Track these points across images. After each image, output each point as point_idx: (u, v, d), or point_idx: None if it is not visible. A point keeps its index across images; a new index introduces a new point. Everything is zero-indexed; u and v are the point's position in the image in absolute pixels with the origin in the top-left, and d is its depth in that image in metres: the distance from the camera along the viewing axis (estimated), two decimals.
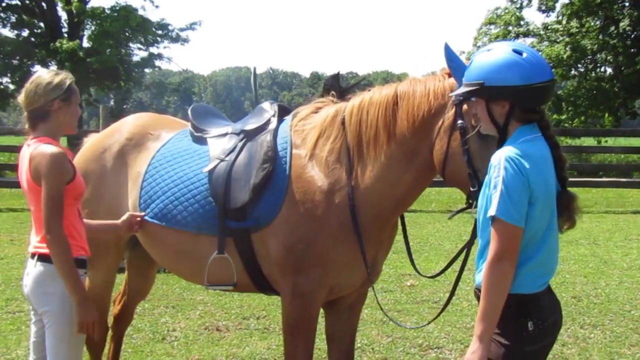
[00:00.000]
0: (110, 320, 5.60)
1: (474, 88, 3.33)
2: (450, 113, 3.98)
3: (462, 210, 4.19)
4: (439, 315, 4.55)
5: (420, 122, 4.09)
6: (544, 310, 3.26)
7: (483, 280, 3.18)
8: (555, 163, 3.27)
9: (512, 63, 3.24)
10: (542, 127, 3.30)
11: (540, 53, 3.44)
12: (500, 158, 3.16)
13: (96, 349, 5.37)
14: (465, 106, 3.89)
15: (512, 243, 3.14)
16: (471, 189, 3.87)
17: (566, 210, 3.27)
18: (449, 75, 4.07)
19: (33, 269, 4.07)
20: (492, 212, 3.14)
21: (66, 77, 4.14)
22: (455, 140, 3.94)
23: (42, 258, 4.04)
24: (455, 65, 3.93)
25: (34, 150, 4.00)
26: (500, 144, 3.29)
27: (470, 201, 3.98)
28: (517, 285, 3.19)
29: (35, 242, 4.10)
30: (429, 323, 4.82)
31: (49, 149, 3.97)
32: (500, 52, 3.30)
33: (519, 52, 3.26)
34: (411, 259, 4.58)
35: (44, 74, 4.13)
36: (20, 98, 4.15)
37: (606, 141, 31.55)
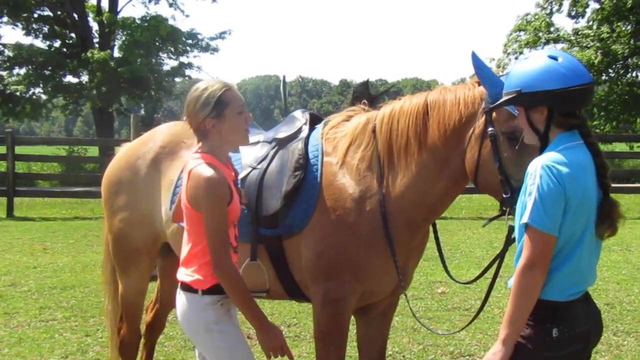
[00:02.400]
0: (142, 328, 5.64)
1: (512, 96, 3.34)
2: (480, 121, 3.99)
3: (496, 218, 4.20)
4: (471, 322, 4.55)
5: (451, 131, 4.10)
6: (574, 319, 3.23)
7: (513, 286, 3.19)
8: (597, 170, 3.24)
9: (547, 68, 3.24)
10: (583, 134, 3.28)
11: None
12: (537, 166, 3.16)
13: (129, 356, 5.42)
14: (494, 114, 3.91)
15: (544, 251, 3.14)
16: (504, 196, 3.87)
17: (607, 218, 3.24)
18: (479, 84, 4.08)
19: (178, 298, 3.83)
20: (525, 219, 3.15)
21: (216, 90, 3.70)
22: (486, 147, 3.94)
23: (183, 287, 3.78)
24: (483, 73, 3.94)
25: (195, 169, 3.65)
26: (542, 151, 3.29)
27: (504, 208, 3.99)
28: (546, 292, 3.19)
29: (182, 267, 3.84)
30: (461, 330, 4.82)
31: (207, 172, 3.59)
32: (535, 59, 3.32)
33: (555, 58, 3.26)
34: (444, 265, 4.58)
35: (194, 89, 3.76)
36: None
37: (639, 146, 31.29)
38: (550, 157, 3.17)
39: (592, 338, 3.35)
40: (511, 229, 4.01)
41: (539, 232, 3.12)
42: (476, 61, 3.97)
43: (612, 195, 3.32)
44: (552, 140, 3.28)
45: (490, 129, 3.91)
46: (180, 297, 3.79)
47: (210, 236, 3.59)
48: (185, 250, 3.81)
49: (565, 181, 3.11)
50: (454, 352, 6.90)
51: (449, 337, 7.26)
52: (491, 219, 4.28)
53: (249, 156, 4.65)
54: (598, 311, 3.43)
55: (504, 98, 3.41)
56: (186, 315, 3.76)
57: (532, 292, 3.16)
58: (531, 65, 3.31)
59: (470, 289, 9.24)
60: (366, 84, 21.84)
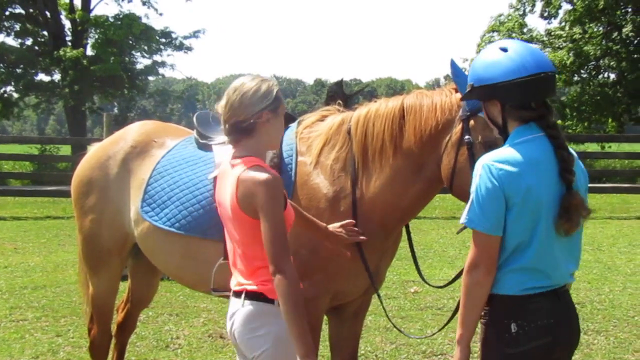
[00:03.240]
0: (113, 328, 5.60)
1: (467, 91, 3.37)
2: (457, 128, 4.01)
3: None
4: (445, 325, 4.55)
5: (427, 137, 4.11)
6: (534, 312, 3.19)
7: (461, 287, 3.23)
8: (558, 164, 3.18)
9: (494, 60, 3.25)
10: (543, 126, 3.23)
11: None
12: (479, 165, 3.19)
13: (99, 357, 5.39)
14: (472, 122, 3.93)
15: (485, 251, 3.16)
16: None
17: (565, 213, 3.16)
18: (456, 90, 4.10)
19: (241, 309, 3.53)
20: (462, 219, 3.20)
21: (273, 84, 3.59)
22: (462, 155, 3.97)
23: (251, 296, 3.51)
24: (461, 81, 3.95)
25: (244, 174, 3.43)
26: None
27: None
28: (500, 287, 3.20)
29: (240, 278, 3.58)
30: (434, 334, 4.78)
31: (263, 175, 3.40)
32: (487, 51, 3.34)
33: (505, 49, 3.25)
34: (417, 268, 4.59)
35: (247, 81, 3.58)
36: (221, 108, 3.59)
37: (610, 147, 31.61)
38: (492, 156, 3.18)
39: (561, 333, 3.25)
40: None
41: (478, 233, 3.16)
42: (454, 69, 4.00)
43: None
44: (510, 134, 3.28)
45: (467, 137, 3.94)
46: (246, 308, 3.50)
47: (272, 241, 3.36)
48: (243, 261, 3.56)
49: (503, 180, 3.10)
50: (427, 352, 6.91)
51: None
52: (463, 228, 4.30)
53: (223, 155, 4.62)
54: (572, 310, 3.36)
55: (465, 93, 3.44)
56: (253, 324, 3.49)
57: (477, 290, 3.19)
58: (482, 58, 3.32)
59: (444, 288, 9.24)
60: (340, 84, 21.92)
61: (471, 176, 3.89)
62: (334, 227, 4.13)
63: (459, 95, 4.05)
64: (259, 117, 3.49)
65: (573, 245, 3.31)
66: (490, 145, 3.79)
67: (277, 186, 3.42)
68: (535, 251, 3.17)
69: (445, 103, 4.10)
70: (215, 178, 4.44)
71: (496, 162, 3.14)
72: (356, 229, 4.16)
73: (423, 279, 4.59)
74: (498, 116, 3.30)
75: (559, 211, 3.16)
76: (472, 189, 3.18)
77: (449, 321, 4.48)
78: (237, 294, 3.57)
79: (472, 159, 3.89)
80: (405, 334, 4.97)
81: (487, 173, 3.13)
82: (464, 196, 4.07)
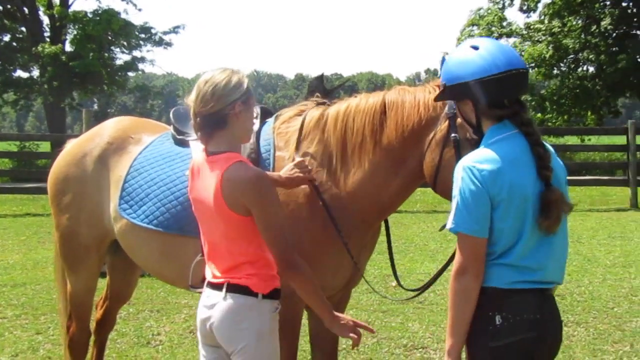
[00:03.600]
0: (92, 325, 5.57)
1: (440, 91, 3.36)
2: (443, 126, 3.98)
3: None
4: (423, 290, 4.51)
5: (409, 133, 4.09)
6: (519, 305, 3.14)
7: (449, 294, 3.16)
8: (535, 161, 3.15)
9: (463, 59, 3.23)
10: (517, 123, 3.20)
11: (516, 49, 3.40)
12: (459, 168, 3.15)
13: (79, 354, 5.35)
14: (459, 119, 3.91)
15: (474, 254, 3.11)
16: None
17: (545, 209, 3.12)
18: (439, 87, 4.07)
19: (222, 301, 3.48)
20: (449, 224, 3.14)
21: (243, 76, 3.55)
22: (447, 153, 3.95)
23: (235, 289, 3.47)
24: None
25: (228, 172, 3.39)
26: (479, 145, 3.26)
27: None
28: (486, 279, 3.14)
29: (221, 271, 3.54)
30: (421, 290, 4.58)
31: (250, 173, 3.40)
32: (458, 50, 3.33)
33: (476, 47, 3.23)
34: (393, 268, 4.59)
35: (218, 73, 3.53)
36: (191, 101, 3.56)
37: (589, 139, 31.81)
38: (472, 157, 3.15)
39: (546, 331, 3.20)
40: None
41: (466, 236, 3.11)
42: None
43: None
44: (485, 134, 3.25)
45: (453, 135, 3.91)
46: (229, 301, 3.46)
47: (273, 238, 3.37)
48: (226, 255, 3.52)
49: (486, 180, 3.07)
50: (408, 345, 6.94)
51: (403, 330, 7.31)
52: (445, 226, 4.31)
53: (200, 151, 4.60)
54: (557, 312, 3.32)
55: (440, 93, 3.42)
56: (236, 317, 3.46)
57: (467, 297, 3.13)
58: (453, 57, 3.31)
59: (424, 281, 9.23)
60: (321, 78, 21.87)
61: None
62: (287, 170, 4.12)
63: None
64: (232, 108, 3.45)
65: (558, 241, 3.23)
66: (479, 143, 3.80)
67: (265, 181, 3.42)
68: (522, 248, 3.13)
69: (429, 100, 4.07)
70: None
71: (477, 162, 3.11)
72: (306, 164, 4.15)
73: (398, 283, 4.59)
74: (472, 115, 3.28)
75: (540, 208, 3.12)
76: (455, 193, 3.14)
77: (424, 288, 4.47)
78: (216, 286, 3.52)
79: (459, 157, 3.84)
80: (399, 284, 4.87)
81: (470, 175, 3.09)
82: (447, 194, 4.06)
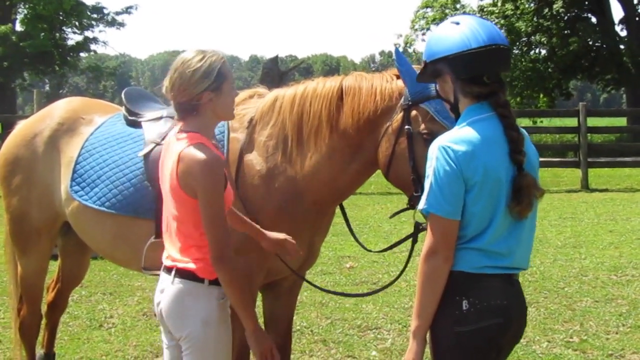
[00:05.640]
0: (44, 308, 5.51)
1: (421, 68, 3.29)
2: (398, 117, 3.97)
3: (402, 211, 4.24)
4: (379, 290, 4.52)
5: (365, 120, 4.07)
6: (487, 290, 3.08)
7: (417, 276, 3.09)
8: (508, 144, 3.08)
9: (444, 34, 3.17)
10: (494, 104, 3.12)
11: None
12: (434, 147, 3.07)
13: (30, 337, 5.29)
14: (414, 111, 3.90)
15: (445, 236, 3.05)
16: (414, 194, 3.89)
17: (517, 194, 3.05)
18: (397, 77, 4.06)
19: (170, 286, 3.43)
20: (422, 205, 3.06)
21: (215, 60, 3.38)
22: (401, 144, 3.94)
23: (182, 274, 3.40)
24: (405, 70, 3.92)
25: (185, 151, 3.32)
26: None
27: (412, 204, 4.00)
28: (456, 263, 3.07)
29: (173, 253, 3.46)
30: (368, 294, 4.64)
31: (203, 153, 3.29)
32: (439, 27, 3.27)
33: (457, 22, 3.17)
34: (355, 237, 4.57)
35: (189, 58, 3.38)
36: (166, 88, 3.45)
37: (541, 121, 32.17)
38: (447, 137, 3.08)
39: (512, 317, 3.16)
40: (418, 225, 4.02)
41: (438, 217, 3.03)
42: (398, 57, 3.94)
43: None
44: (462, 113, 3.18)
45: (407, 127, 3.91)
46: (176, 286, 3.40)
47: (210, 225, 3.29)
48: (178, 237, 3.45)
49: (461, 161, 3.00)
50: (362, 326, 6.98)
51: (357, 311, 7.35)
52: (397, 212, 4.32)
53: (152, 132, 4.56)
54: (523, 298, 3.28)
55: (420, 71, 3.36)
56: (183, 303, 3.39)
57: (436, 279, 3.06)
58: (434, 34, 3.25)
59: (378, 262, 9.36)
60: (276, 60, 21.86)
61: (408, 165, 3.89)
62: (276, 236, 4.00)
63: (400, 82, 4.02)
64: (199, 99, 3.36)
65: (527, 226, 3.19)
66: (432, 138, 3.77)
67: (217, 168, 3.31)
68: (493, 233, 3.07)
69: (386, 89, 4.06)
70: (148, 154, 4.39)
71: (452, 142, 3.03)
72: (294, 247, 4.02)
73: (360, 244, 4.55)
74: (450, 92, 3.21)
75: (511, 193, 3.06)
76: (429, 172, 3.05)
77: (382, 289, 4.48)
78: (168, 270, 3.47)
79: (412, 150, 3.87)
80: (325, 291, 4.87)
81: (444, 155, 3.01)
82: (399, 184, 4.07)
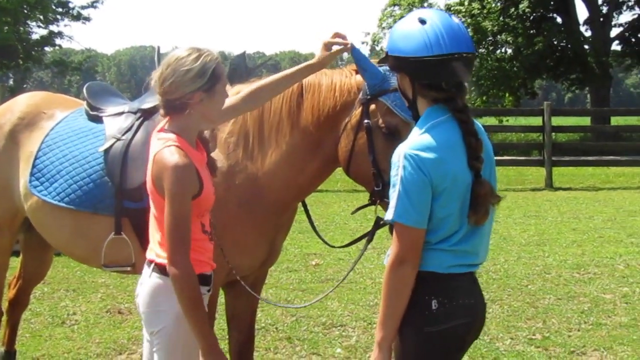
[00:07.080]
0: (5, 305, 5.44)
1: (383, 57, 3.22)
2: (357, 111, 3.96)
3: (364, 207, 4.23)
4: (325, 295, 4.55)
5: (325, 117, 4.06)
6: (455, 290, 3.06)
7: (383, 285, 3.03)
8: (466, 151, 3.01)
9: (408, 32, 3.05)
10: (452, 109, 3.03)
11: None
12: (400, 155, 2.98)
13: None
14: (373, 106, 3.88)
15: (413, 245, 2.98)
16: (375, 188, 3.89)
17: (474, 203, 3.00)
18: (356, 72, 4.04)
19: (147, 279, 3.39)
20: (389, 215, 2.98)
21: (210, 60, 3.30)
22: (361, 139, 3.93)
23: (160, 269, 3.32)
24: (362, 65, 3.89)
25: (159, 153, 3.26)
26: (415, 120, 3.14)
27: (373, 199, 4.00)
28: (423, 264, 3.02)
29: (155, 247, 3.40)
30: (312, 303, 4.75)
31: (173, 157, 3.20)
32: (405, 21, 3.13)
33: (423, 21, 3.03)
34: (317, 233, 4.56)
35: (184, 56, 3.31)
36: (154, 82, 3.38)
37: (507, 120, 32.43)
38: (412, 144, 2.99)
39: (478, 315, 3.18)
40: (378, 220, 4.02)
41: (406, 227, 2.96)
42: (356, 54, 3.91)
43: None
44: (422, 113, 3.11)
45: (366, 121, 3.89)
46: (152, 280, 3.36)
47: (169, 230, 3.19)
48: (157, 232, 3.39)
49: (430, 169, 2.93)
50: (326, 323, 6.97)
51: (322, 309, 7.34)
52: (359, 208, 4.30)
53: (113, 127, 4.52)
54: (482, 294, 3.26)
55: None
56: (157, 298, 3.34)
57: (403, 289, 3.00)
58: (399, 28, 3.13)
59: (344, 260, 9.34)
60: (243, 57, 21.68)
61: (368, 160, 3.88)
62: (327, 42, 3.88)
63: (359, 77, 4.00)
64: (190, 98, 3.28)
65: (489, 226, 3.19)
66: (391, 131, 3.78)
67: (183, 174, 3.20)
68: (462, 234, 3.04)
69: (345, 84, 4.05)
70: (108, 149, 4.35)
71: (418, 150, 2.95)
72: (344, 35, 3.91)
73: (324, 241, 4.56)
74: (409, 90, 3.14)
75: (470, 200, 3.01)
76: (396, 181, 2.97)
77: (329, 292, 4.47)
78: (148, 263, 3.43)
79: (371, 144, 3.86)
80: (270, 302, 4.89)
81: (411, 164, 2.93)
82: (360, 179, 4.06)
